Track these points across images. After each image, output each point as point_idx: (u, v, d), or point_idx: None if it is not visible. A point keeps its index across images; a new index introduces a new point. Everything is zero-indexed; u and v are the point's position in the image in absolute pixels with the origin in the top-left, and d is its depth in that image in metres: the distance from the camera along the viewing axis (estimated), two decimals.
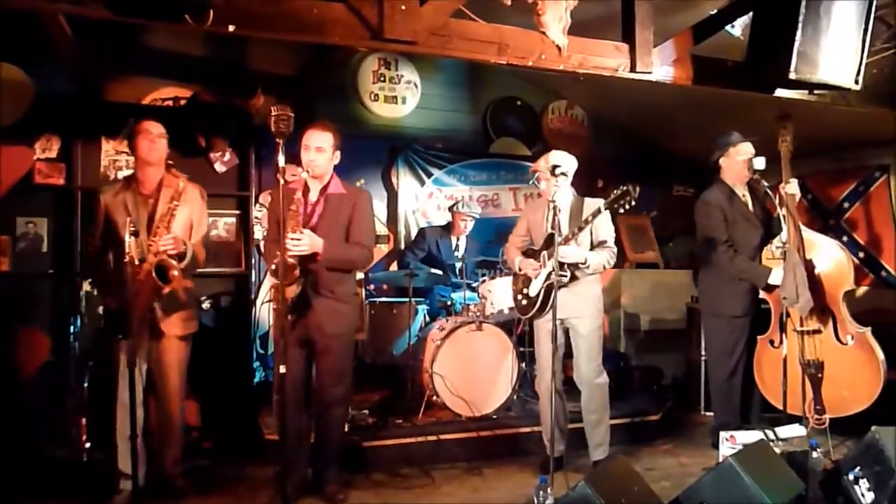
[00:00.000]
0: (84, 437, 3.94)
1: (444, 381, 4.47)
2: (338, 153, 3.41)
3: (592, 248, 3.91)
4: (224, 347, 4.03)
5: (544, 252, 3.93)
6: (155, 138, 3.38)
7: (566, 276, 3.81)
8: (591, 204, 3.96)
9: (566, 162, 3.90)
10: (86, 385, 4.06)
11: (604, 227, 3.90)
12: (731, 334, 4.17)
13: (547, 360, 3.90)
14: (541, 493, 3.15)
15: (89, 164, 4.76)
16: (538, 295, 3.93)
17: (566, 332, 3.97)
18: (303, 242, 3.15)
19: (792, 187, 4.03)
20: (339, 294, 3.34)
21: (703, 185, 4.49)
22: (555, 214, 3.67)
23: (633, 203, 3.60)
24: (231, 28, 2.98)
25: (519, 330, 4.75)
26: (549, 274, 3.83)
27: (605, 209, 3.69)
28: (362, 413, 4.51)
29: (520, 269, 4.07)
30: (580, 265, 3.82)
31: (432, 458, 4.18)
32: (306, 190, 3.37)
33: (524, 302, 4.06)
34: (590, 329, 3.93)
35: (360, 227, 3.39)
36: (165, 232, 3.21)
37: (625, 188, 3.60)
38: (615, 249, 3.95)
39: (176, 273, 3.18)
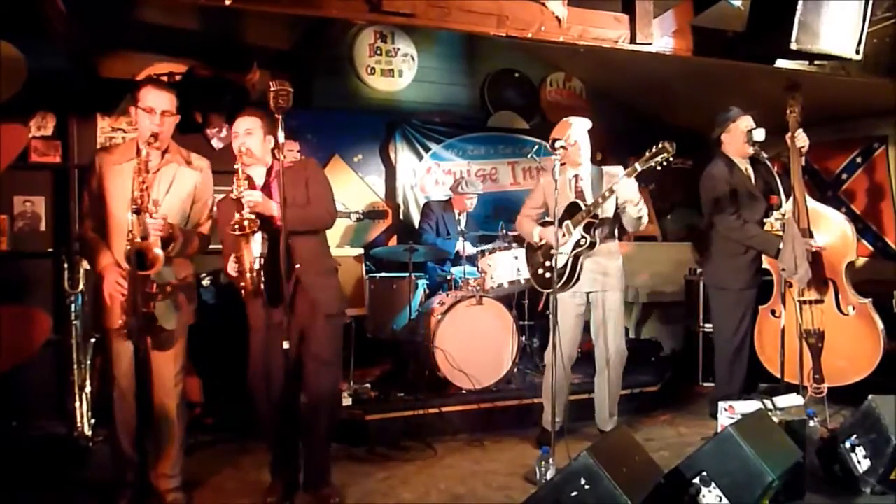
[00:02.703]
0: (89, 415, 3.96)
1: (445, 354, 4.50)
2: (270, 137, 3.15)
3: (617, 211, 3.89)
4: (225, 323, 4.02)
5: (568, 221, 3.85)
6: (160, 117, 2.99)
7: (594, 241, 3.81)
8: (611, 170, 3.95)
9: (578, 124, 3.88)
10: (89, 362, 4.08)
11: (629, 188, 3.73)
12: (736, 307, 4.19)
13: (571, 332, 3.92)
14: (543, 463, 3.21)
15: (85, 142, 4.73)
16: (565, 265, 3.88)
17: (587, 306, 3.97)
18: (255, 195, 2.99)
19: (800, 137, 4.02)
20: (320, 270, 3.20)
21: (702, 157, 4.48)
22: (577, 182, 3.67)
23: (671, 160, 3.52)
24: (227, 1, 2.94)
25: (541, 306, 4.63)
26: (578, 241, 3.82)
27: (641, 168, 3.60)
28: (365, 387, 4.55)
29: (540, 239, 4.00)
30: (633, 204, 3.74)
31: (434, 430, 4.23)
32: (251, 182, 3.13)
33: (548, 275, 3.96)
34: (618, 303, 3.94)
35: (315, 187, 3.20)
36: (156, 211, 2.90)
37: (661, 145, 3.52)
38: (644, 208, 3.85)
39: (158, 253, 2.83)
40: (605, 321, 3.94)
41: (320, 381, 3.14)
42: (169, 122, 3.05)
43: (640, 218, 3.84)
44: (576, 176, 3.94)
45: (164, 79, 4.93)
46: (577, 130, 3.87)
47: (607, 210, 3.85)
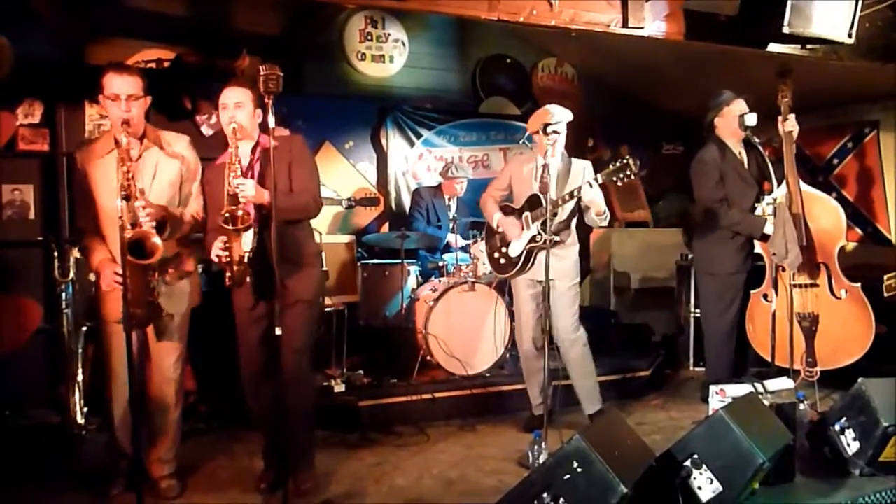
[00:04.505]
0: (81, 403, 3.94)
1: (437, 341, 4.50)
2: (259, 111, 3.08)
3: (580, 212, 3.90)
4: (218, 311, 4.03)
5: (527, 213, 3.87)
6: (126, 102, 2.93)
7: (555, 238, 3.80)
8: (578, 165, 3.93)
9: (560, 114, 3.79)
10: (80, 350, 4.06)
11: (595, 196, 3.74)
12: (725, 291, 4.20)
13: (528, 318, 3.97)
14: (535, 447, 3.22)
15: (73, 129, 4.67)
16: (519, 256, 3.91)
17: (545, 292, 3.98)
18: (248, 186, 2.90)
19: (791, 123, 4.03)
20: (303, 256, 3.15)
21: (694, 143, 4.48)
22: (544, 173, 3.59)
23: (633, 177, 3.52)
24: None
25: (493, 286, 4.76)
26: (534, 237, 3.82)
27: (603, 181, 3.60)
28: (357, 374, 4.56)
29: (498, 226, 4.02)
30: (597, 213, 3.77)
31: (427, 416, 4.24)
32: (237, 156, 3.04)
33: (502, 261, 4.04)
34: (567, 286, 3.93)
35: (301, 173, 3.12)
36: (141, 197, 2.83)
37: (624, 161, 3.51)
38: (608, 215, 3.88)
39: (157, 242, 2.79)
40: (558, 308, 3.90)
41: (289, 370, 3.04)
42: (137, 106, 2.99)
43: (602, 225, 3.91)
44: (544, 165, 3.88)
45: (152, 65, 4.91)
46: (557, 119, 3.81)
47: (566, 208, 3.85)
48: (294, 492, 3.09)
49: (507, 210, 4.03)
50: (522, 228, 3.90)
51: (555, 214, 3.80)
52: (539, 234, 3.80)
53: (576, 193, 3.69)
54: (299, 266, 3.13)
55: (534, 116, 3.91)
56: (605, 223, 3.92)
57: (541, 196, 3.77)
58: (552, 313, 3.94)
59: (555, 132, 3.71)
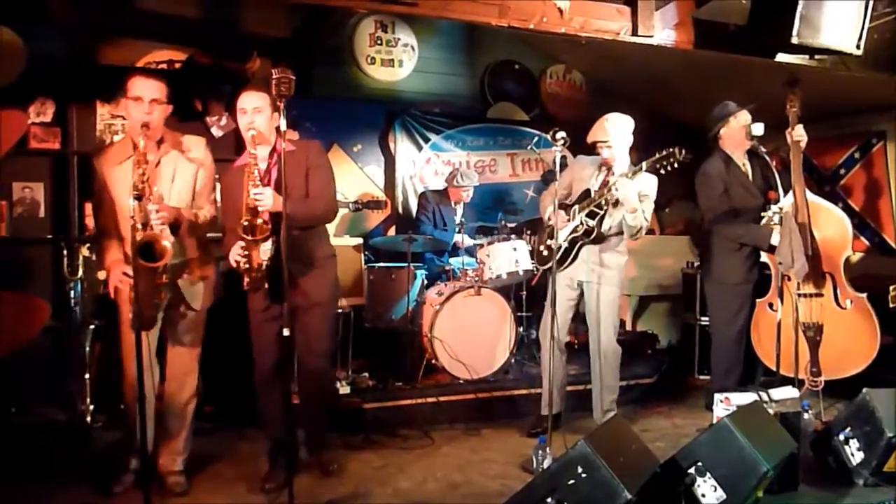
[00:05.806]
0: (88, 401, 3.97)
1: (443, 345, 4.52)
2: (276, 115, 3.06)
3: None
4: (226, 310, 4.06)
5: (576, 206, 3.92)
6: (148, 105, 2.98)
7: (592, 229, 3.82)
8: (647, 179, 3.83)
9: (603, 133, 3.86)
10: (87, 348, 4.08)
11: (626, 191, 3.63)
12: (733, 301, 4.20)
13: (562, 318, 3.92)
14: (540, 452, 3.24)
15: (85, 129, 4.72)
16: (560, 246, 3.92)
17: (581, 295, 4.00)
18: (266, 196, 2.94)
19: (799, 132, 4.04)
20: (317, 259, 3.21)
21: (701, 151, 4.48)
22: (607, 176, 3.65)
23: (677, 165, 3.50)
24: None
25: (535, 281, 4.75)
26: (576, 227, 3.86)
27: (647, 170, 3.60)
28: (363, 376, 4.57)
29: (549, 218, 4.04)
30: (628, 211, 3.68)
31: (432, 419, 4.26)
32: (256, 163, 3.08)
33: (545, 253, 4.08)
34: (613, 298, 3.94)
35: (317, 179, 3.17)
36: (155, 200, 2.89)
37: (670, 149, 3.51)
38: (640, 217, 3.75)
39: (167, 245, 2.84)
40: (599, 314, 3.95)
41: (312, 371, 3.14)
42: (159, 111, 3.04)
43: (633, 226, 3.75)
44: (608, 170, 3.92)
45: (164, 66, 4.95)
46: (609, 128, 3.86)
47: (619, 209, 3.82)
48: (323, 473, 3.32)
49: (563, 207, 4.03)
50: (569, 220, 3.93)
51: (599, 206, 3.81)
52: (582, 223, 3.83)
53: (610, 186, 3.68)
54: (315, 268, 3.18)
55: (593, 129, 3.97)
56: (636, 224, 3.72)
57: (591, 189, 3.85)
58: (592, 323, 3.98)
59: (606, 148, 3.84)
